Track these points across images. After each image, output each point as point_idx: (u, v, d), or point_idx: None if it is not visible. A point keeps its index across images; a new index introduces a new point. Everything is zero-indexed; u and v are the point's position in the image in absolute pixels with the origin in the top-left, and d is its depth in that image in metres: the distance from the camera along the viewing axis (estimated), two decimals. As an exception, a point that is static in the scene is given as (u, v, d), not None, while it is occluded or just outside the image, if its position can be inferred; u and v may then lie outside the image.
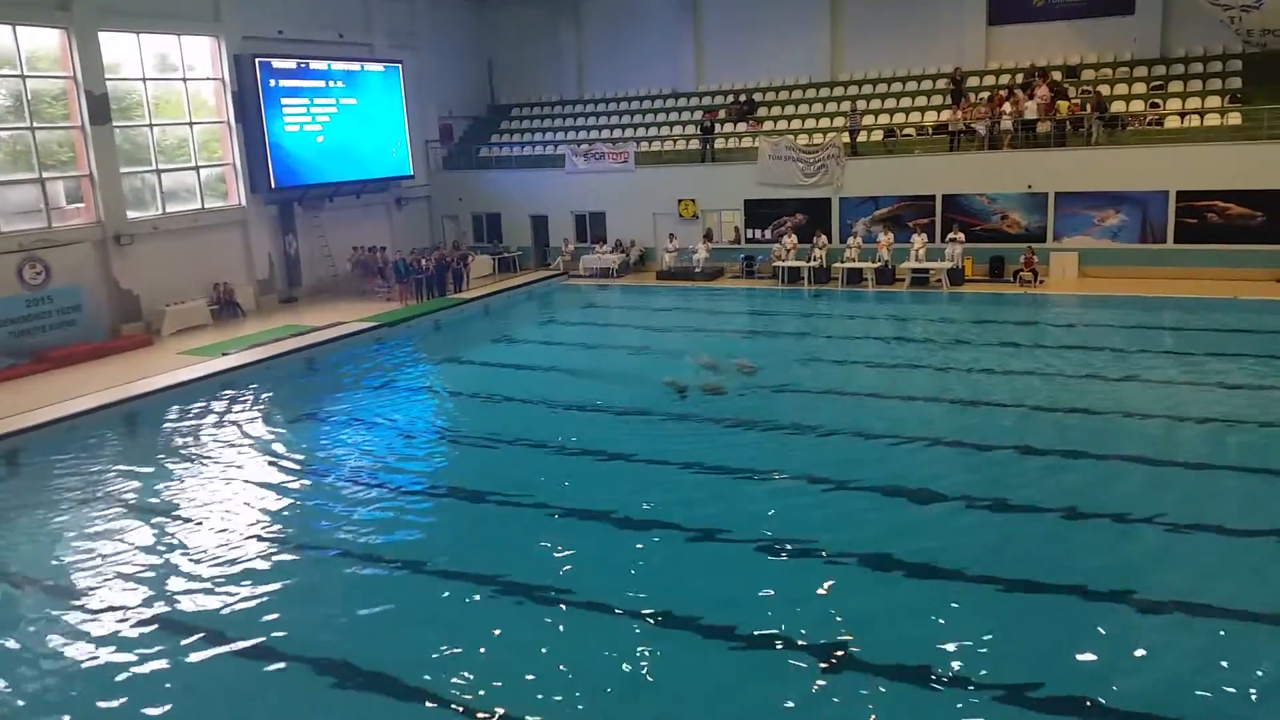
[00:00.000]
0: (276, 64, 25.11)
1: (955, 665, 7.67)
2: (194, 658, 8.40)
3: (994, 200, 24.59)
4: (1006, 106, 24.83)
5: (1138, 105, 24.91)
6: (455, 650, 8.26)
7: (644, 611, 8.73)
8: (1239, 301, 20.44)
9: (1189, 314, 20.01)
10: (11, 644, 8.80)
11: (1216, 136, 22.91)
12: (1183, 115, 23.97)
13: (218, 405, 16.64)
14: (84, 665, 8.39)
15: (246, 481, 12.80)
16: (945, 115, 26.29)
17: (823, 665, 7.78)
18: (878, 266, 24.63)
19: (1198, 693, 7.22)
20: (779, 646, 8.08)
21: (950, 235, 24.41)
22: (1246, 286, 21.43)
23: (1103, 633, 8.08)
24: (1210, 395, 14.47)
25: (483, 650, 8.26)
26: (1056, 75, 25.72)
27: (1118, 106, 24.80)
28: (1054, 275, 23.65)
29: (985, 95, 26.16)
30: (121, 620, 9.09)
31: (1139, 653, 7.84)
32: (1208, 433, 12.98)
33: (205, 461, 13.64)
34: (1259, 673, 7.40)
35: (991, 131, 24.82)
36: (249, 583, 9.73)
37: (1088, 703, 7.12)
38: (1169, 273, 22.77)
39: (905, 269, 24.41)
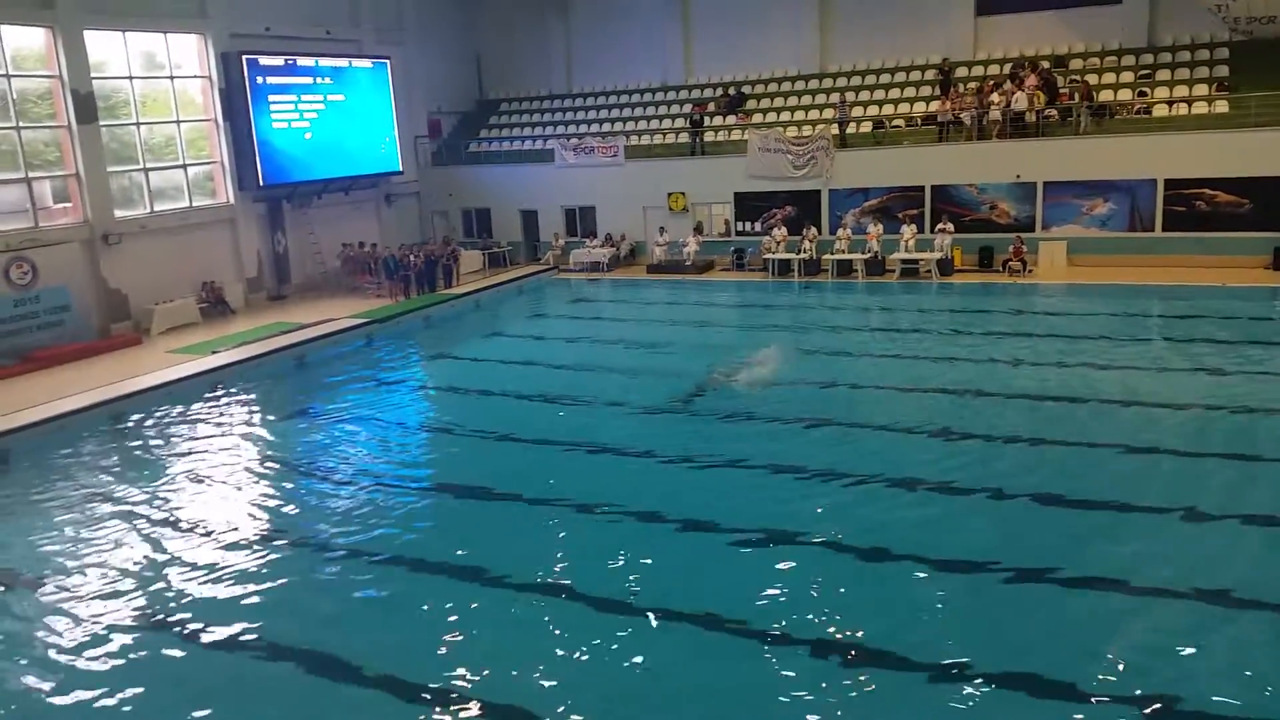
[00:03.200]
0: (264, 61, 25.03)
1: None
2: (186, 655, 8.39)
3: (983, 190, 24.64)
4: (995, 96, 24.86)
5: (1125, 94, 24.95)
6: (450, 646, 8.25)
7: (644, 606, 8.72)
8: (1226, 289, 20.53)
9: (1177, 301, 20.07)
10: (1, 644, 8.78)
11: (1204, 125, 22.96)
12: (1170, 104, 24.02)
13: (208, 404, 16.60)
14: (75, 663, 8.37)
15: (238, 480, 12.78)
16: (934, 106, 26.33)
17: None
18: (867, 258, 24.69)
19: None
20: (787, 642, 8.06)
21: (939, 226, 24.44)
22: (1235, 274, 21.50)
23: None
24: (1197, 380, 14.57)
25: (480, 646, 8.25)
26: (1045, 65, 25.74)
27: (1106, 96, 24.85)
28: (1043, 264, 23.71)
29: (974, 85, 26.20)
30: (113, 618, 9.07)
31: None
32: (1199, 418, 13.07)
33: (196, 460, 13.59)
34: None
35: (980, 122, 24.85)
36: (241, 580, 9.72)
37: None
38: (1157, 261, 22.83)
39: (895, 260, 24.45)
